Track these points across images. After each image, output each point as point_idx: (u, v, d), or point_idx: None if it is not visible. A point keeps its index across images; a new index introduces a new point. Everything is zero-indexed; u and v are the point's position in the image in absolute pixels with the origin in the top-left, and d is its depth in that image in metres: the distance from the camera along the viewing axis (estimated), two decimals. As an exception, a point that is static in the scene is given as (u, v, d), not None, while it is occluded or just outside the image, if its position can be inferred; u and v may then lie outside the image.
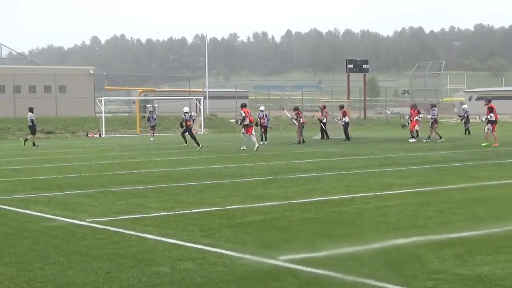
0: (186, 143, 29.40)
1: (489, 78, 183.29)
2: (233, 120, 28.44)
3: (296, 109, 33.95)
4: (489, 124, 26.90)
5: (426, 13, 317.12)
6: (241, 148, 26.66)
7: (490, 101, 28.11)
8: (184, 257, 7.32)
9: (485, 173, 16.14)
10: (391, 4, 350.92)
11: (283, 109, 38.16)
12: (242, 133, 27.23)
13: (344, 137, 33.28)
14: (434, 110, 32.23)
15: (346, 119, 33.66)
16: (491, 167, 17.73)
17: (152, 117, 40.01)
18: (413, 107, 32.71)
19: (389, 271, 6.59)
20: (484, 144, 26.61)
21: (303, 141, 31.62)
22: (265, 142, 31.25)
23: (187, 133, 28.91)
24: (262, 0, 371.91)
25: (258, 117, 31.89)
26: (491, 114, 27.03)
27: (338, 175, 16.13)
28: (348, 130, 33.75)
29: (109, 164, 20.84)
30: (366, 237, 8.36)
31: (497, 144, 26.35)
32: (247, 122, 26.91)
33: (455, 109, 48.27)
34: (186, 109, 29.61)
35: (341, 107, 34.61)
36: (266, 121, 32.67)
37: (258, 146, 26.13)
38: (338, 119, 34.72)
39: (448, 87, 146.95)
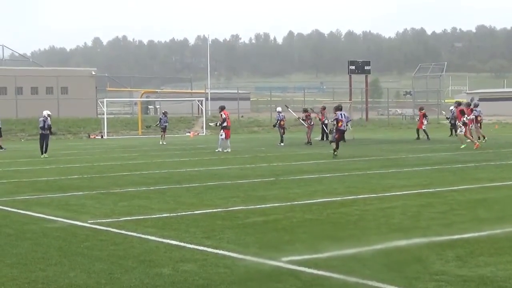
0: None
1: (491, 80, 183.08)
2: (213, 123, 28.08)
3: (305, 110, 34.07)
4: (463, 127, 26.53)
5: (428, 14, 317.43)
6: (216, 150, 26.58)
7: (460, 104, 28.16)
8: (186, 259, 7.33)
9: (487, 174, 16.13)
10: (393, 5, 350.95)
11: (287, 107, 38.16)
12: (221, 135, 27.04)
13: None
14: (475, 110, 32.73)
15: None
16: (493, 168, 17.72)
17: (165, 119, 36.97)
18: (420, 109, 34.64)
19: (391, 273, 6.58)
20: (463, 146, 26.17)
21: (310, 143, 31.74)
22: (282, 144, 31.26)
23: None
24: (264, 1, 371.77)
25: (278, 119, 32.03)
26: (467, 117, 26.65)
27: (340, 176, 16.13)
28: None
29: (111, 166, 20.86)
30: (368, 238, 8.36)
31: (465, 146, 25.97)
32: (225, 124, 26.80)
33: (443, 111, 48.88)
34: None
35: (336, 108, 34.68)
36: (285, 122, 32.73)
37: (220, 151, 26.32)
38: (331, 121, 34.77)
39: (450, 88, 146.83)
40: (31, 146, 34.48)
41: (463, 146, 26.18)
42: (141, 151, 29.16)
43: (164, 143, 35.28)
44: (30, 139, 44.78)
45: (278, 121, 31.88)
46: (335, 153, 22.18)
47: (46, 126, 25.29)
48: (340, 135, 22.73)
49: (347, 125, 23.42)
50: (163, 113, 38.03)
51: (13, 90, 57.65)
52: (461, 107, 27.45)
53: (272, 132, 49.08)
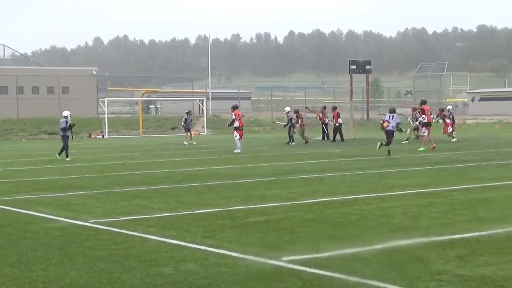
0: None
1: (492, 79, 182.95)
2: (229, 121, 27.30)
3: (296, 111, 34.09)
4: (424, 128, 26.24)
5: (429, 13, 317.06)
6: (235, 151, 25.65)
7: (425, 103, 27.55)
8: (187, 258, 7.33)
9: (488, 174, 16.12)
10: (394, 5, 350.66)
11: (283, 118, 38.20)
12: (235, 136, 26.31)
13: (332, 138, 33.66)
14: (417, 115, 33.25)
15: (340, 120, 33.84)
16: (494, 168, 17.71)
17: (190, 118, 35.32)
18: (414, 109, 34.61)
19: (392, 272, 6.58)
20: (421, 148, 25.61)
21: (306, 141, 31.73)
22: (293, 143, 31.20)
23: None
24: (264, 1, 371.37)
25: (289, 118, 32.05)
26: (423, 116, 26.24)
27: (340, 176, 16.13)
28: (342, 131, 34.00)
29: (112, 165, 20.86)
30: (369, 238, 8.36)
31: (434, 146, 25.54)
32: (237, 124, 26.25)
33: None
34: None
35: (334, 108, 34.78)
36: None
37: (239, 152, 25.39)
38: (330, 120, 34.85)
39: (451, 88, 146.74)
40: (32, 146, 34.50)
41: (421, 148, 25.63)
42: (142, 150, 29.15)
43: (194, 142, 34.07)
44: (31, 138, 44.82)
45: (291, 120, 31.90)
46: (389, 153, 22.51)
47: (67, 127, 23.38)
48: (389, 135, 23.16)
49: (398, 128, 23.60)
50: (186, 113, 36.00)
51: (14, 90, 57.68)
52: (425, 105, 27.16)
53: (272, 132, 49.12)
